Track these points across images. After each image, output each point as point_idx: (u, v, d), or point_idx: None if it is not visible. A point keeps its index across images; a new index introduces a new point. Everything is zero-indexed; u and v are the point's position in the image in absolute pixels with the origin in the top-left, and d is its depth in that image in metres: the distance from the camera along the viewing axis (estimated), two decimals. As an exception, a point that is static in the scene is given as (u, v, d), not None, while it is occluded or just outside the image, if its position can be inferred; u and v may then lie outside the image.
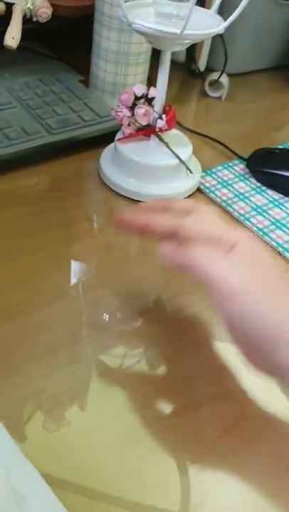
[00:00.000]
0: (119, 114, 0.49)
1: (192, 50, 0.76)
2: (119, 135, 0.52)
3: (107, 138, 0.56)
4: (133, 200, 0.52)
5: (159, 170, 0.51)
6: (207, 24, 0.45)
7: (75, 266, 0.45)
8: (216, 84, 0.72)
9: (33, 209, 0.50)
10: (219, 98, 0.73)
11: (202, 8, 0.48)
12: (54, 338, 0.38)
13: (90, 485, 0.31)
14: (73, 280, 0.43)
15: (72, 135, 0.57)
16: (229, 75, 0.74)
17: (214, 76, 0.72)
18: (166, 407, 0.36)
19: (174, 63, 0.80)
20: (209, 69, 0.75)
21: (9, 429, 0.31)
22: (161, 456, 0.33)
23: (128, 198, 0.52)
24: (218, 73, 0.71)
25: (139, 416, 0.34)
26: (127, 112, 0.49)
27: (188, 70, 0.78)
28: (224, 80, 0.72)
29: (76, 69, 0.69)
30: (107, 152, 0.55)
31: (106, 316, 0.40)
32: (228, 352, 0.39)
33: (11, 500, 0.27)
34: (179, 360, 0.38)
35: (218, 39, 0.70)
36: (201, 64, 0.76)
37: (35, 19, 0.61)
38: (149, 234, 0.36)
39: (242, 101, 0.74)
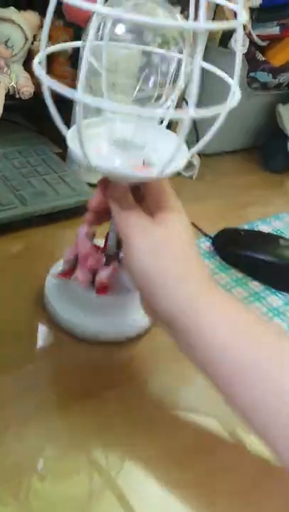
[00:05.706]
0: None
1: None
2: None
3: (82, 209, 0.57)
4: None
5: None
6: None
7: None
8: (187, 164, 0.76)
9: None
10: (190, 178, 0.77)
11: (169, 132, 0.45)
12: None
13: None
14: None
15: (45, 207, 0.58)
16: (201, 155, 0.78)
17: (186, 157, 0.76)
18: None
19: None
20: (182, 149, 0.79)
21: None
22: None
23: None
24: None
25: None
26: None
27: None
28: (196, 160, 0.76)
29: (55, 142, 0.72)
30: None
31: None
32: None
33: None
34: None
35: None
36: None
37: (18, 96, 0.65)
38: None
39: (210, 180, 0.78)
